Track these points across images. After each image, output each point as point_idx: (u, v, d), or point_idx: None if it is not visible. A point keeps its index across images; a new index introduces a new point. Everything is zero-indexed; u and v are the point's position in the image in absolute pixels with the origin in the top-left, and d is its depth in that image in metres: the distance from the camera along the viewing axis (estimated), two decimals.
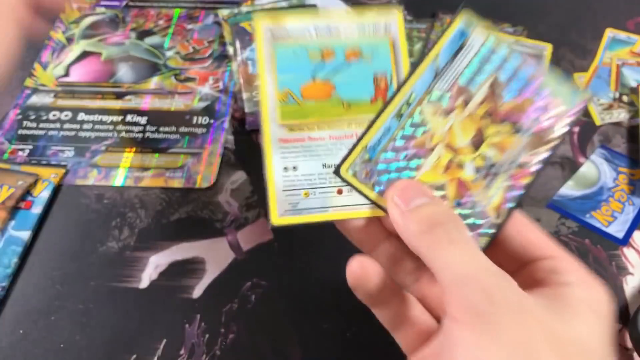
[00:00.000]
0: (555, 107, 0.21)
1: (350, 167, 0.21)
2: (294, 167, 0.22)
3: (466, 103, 0.21)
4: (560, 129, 0.21)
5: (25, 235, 0.33)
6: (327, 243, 0.32)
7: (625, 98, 0.39)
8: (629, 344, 0.29)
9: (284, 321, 0.27)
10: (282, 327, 0.28)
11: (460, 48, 0.22)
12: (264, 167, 0.22)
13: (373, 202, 0.21)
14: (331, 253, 0.32)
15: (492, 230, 0.21)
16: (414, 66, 0.22)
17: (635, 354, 0.28)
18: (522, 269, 0.21)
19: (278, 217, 0.21)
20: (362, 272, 0.21)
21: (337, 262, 0.33)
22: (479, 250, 0.18)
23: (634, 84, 0.40)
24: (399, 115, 0.21)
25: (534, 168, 0.21)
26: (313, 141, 0.22)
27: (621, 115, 0.39)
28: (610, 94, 0.40)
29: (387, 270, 0.22)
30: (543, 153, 0.21)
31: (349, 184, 0.21)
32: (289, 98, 0.22)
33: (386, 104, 0.21)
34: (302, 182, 0.22)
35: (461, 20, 0.22)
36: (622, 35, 0.43)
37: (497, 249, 0.21)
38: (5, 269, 0.31)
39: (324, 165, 0.22)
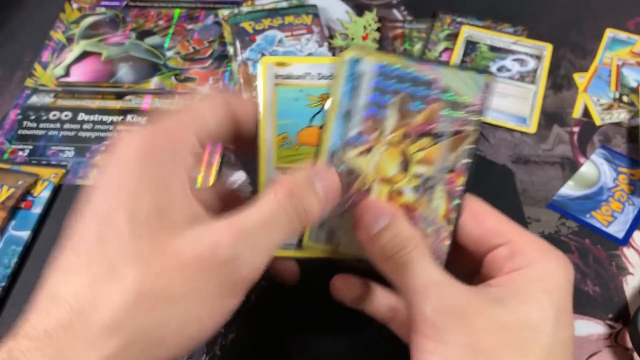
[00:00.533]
0: (461, 102, 0.22)
1: (311, 236, 0.22)
2: None
3: (381, 134, 0.22)
4: (473, 120, 0.22)
5: (26, 235, 0.33)
6: None
7: (625, 98, 0.39)
8: (629, 344, 0.29)
9: (284, 321, 0.27)
10: (282, 327, 0.28)
11: (357, 85, 0.22)
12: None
13: (345, 256, 0.23)
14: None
15: (449, 234, 0.22)
16: (324, 120, 0.22)
17: (635, 354, 0.28)
18: (484, 260, 0.22)
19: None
20: (344, 285, 0.24)
21: (337, 262, 0.33)
22: (430, 265, 0.20)
23: (634, 84, 0.40)
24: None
25: (463, 166, 0.22)
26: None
27: (621, 115, 0.39)
28: (610, 94, 0.40)
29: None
30: (467, 149, 0.22)
31: (317, 251, 0.23)
32: (285, 142, 0.23)
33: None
34: None
35: (347, 58, 0.22)
36: (622, 35, 0.43)
37: (459, 245, 0.23)
38: (5, 269, 0.31)
39: None
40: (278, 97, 0.23)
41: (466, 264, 0.24)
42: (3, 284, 0.31)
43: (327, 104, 0.22)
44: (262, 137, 0.23)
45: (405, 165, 0.22)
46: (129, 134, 0.19)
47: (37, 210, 0.34)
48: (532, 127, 0.38)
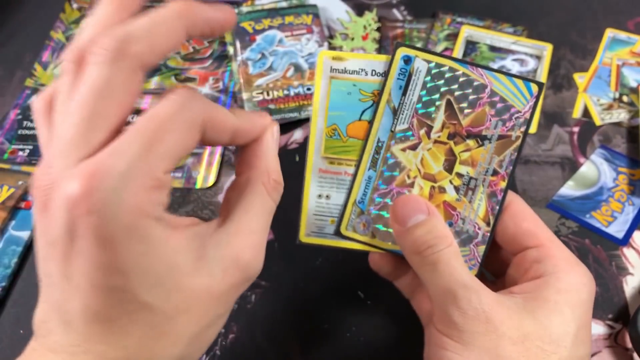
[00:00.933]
0: (509, 108, 0.23)
1: (348, 225, 0.23)
2: (327, 196, 0.24)
3: (428, 132, 0.23)
4: (520, 127, 0.23)
5: (26, 235, 0.33)
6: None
7: (625, 98, 0.39)
8: (629, 344, 0.29)
9: (284, 321, 0.27)
10: (282, 327, 0.28)
11: (408, 82, 0.22)
12: (302, 191, 0.24)
13: (376, 247, 0.24)
14: (332, 253, 0.32)
15: (486, 238, 0.23)
16: (373, 116, 0.23)
17: (635, 354, 0.28)
18: (513, 260, 0.23)
19: (305, 236, 0.24)
20: (381, 259, 0.25)
21: (337, 262, 0.33)
22: (460, 266, 0.21)
23: (634, 84, 0.40)
24: (374, 164, 0.23)
25: (506, 170, 0.23)
26: (348, 176, 0.24)
27: (621, 115, 0.39)
28: (610, 94, 0.40)
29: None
30: (511, 154, 0.23)
31: (351, 240, 0.24)
32: (334, 133, 0.24)
33: (359, 159, 0.23)
34: (331, 210, 0.24)
35: (400, 57, 0.23)
36: (622, 35, 0.43)
37: (493, 243, 0.23)
38: (5, 269, 0.31)
39: (348, 194, 0.24)
40: (332, 90, 0.24)
41: (494, 263, 0.24)
42: (3, 284, 0.31)
43: (379, 100, 0.23)
44: (313, 126, 0.24)
45: (450, 164, 0.23)
46: None
47: None
48: (532, 127, 0.38)
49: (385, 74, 0.22)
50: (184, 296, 0.18)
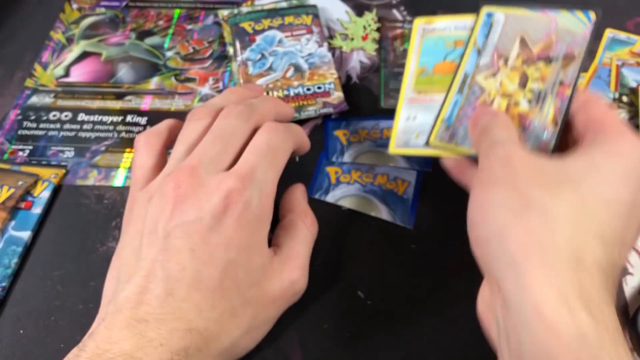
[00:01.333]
0: (572, 34, 0.28)
1: (437, 136, 0.29)
2: (414, 117, 0.31)
3: (506, 61, 0.29)
4: (581, 45, 0.28)
5: (26, 235, 0.33)
6: (327, 244, 0.32)
7: (625, 98, 0.39)
8: (630, 344, 0.29)
9: (284, 321, 0.27)
10: (282, 327, 0.28)
11: (490, 29, 0.29)
12: (395, 115, 0.31)
13: (459, 153, 0.28)
14: (331, 254, 0.32)
15: (555, 136, 0.27)
16: (462, 53, 0.30)
17: (635, 354, 0.28)
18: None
19: (394, 148, 0.31)
20: (453, 161, 0.29)
21: (337, 262, 0.33)
22: (516, 147, 0.23)
23: (633, 85, 0.40)
24: (461, 90, 0.29)
25: (571, 80, 0.27)
26: (432, 102, 0.30)
27: (621, 115, 0.39)
28: (610, 94, 0.40)
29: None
30: (574, 67, 0.28)
31: (439, 148, 0.29)
32: (423, 72, 0.32)
33: (450, 85, 0.29)
34: (417, 127, 0.30)
35: (484, 13, 0.30)
36: (622, 35, 0.43)
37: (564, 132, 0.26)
38: (5, 269, 0.31)
39: (440, 109, 0.29)
40: (423, 43, 0.32)
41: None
42: (4, 284, 0.31)
43: (467, 44, 0.30)
44: (407, 70, 0.32)
45: (524, 82, 0.28)
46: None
47: (37, 210, 0.34)
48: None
49: (472, 27, 0.30)
50: (258, 291, 0.24)
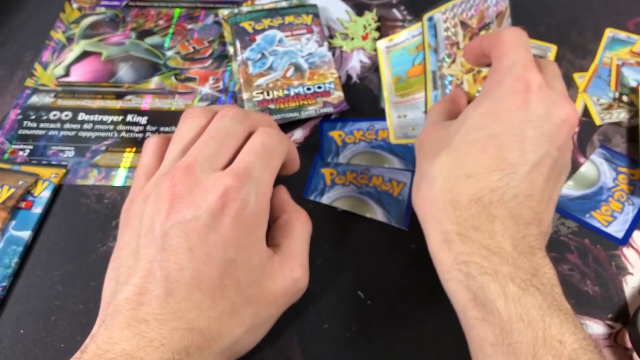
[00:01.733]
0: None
1: None
2: (405, 115, 0.37)
3: (458, 46, 0.34)
4: (505, 1, 0.34)
5: (26, 235, 0.33)
6: (327, 245, 0.32)
7: (625, 98, 0.39)
8: (629, 344, 0.29)
9: (284, 321, 0.27)
10: (282, 327, 0.28)
11: (435, 29, 0.35)
12: (387, 116, 0.37)
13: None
14: (331, 254, 0.32)
15: None
16: (423, 59, 0.36)
17: (634, 354, 0.28)
18: None
19: (395, 139, 0.36)
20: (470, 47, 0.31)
21: (337, 262, 0.33)
22: (427, 128, 0.29)
23: (634, 84, 0.40)
24: (435, 86, 0.34)
25: (508, 24, 0.34)
26: (415, 100, 0.36)
27: (621, 115, 0.39)
28: (610, 93, 0.40)
29: None
30: (507, 19, 0.35)
31: None
32: (399, 79, 0.38)
33: (425, 85, 0.35)
34: (410, 122, 0.36)
35: (425, 19, 0.35)
36: (622, 35, 0.43)
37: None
38: (5, 269, 0.31)
39: (423, 112, 0.36)
40: (390, 58, 0.39)
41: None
42: (4, 283, 0.31)
43: (423, 49, 0.36)
44: (383, 79, 0.38)
45: None
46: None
47: (37, 210, 0.34)
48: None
49: (422, 33, 0.35)
50: (258, 290, 0.24)
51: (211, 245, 0.22)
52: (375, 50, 0.42)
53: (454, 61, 0.34)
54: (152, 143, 0.29)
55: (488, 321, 0.21)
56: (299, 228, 0.28)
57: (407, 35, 0.38)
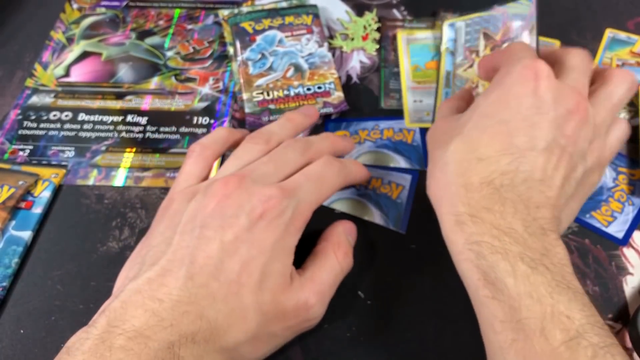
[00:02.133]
0: (522, 16, 0.38)
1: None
2: (421, 100, 0.38)
3: (477, 53, 0.38)
4: (532, 20, 0.37)
5: (26, 235, 0.33)
6: None
7: None
8: (629, 344, 0.29)
9: None
10: None
11: (456, 34, 0.39)
12: (403, 99, 0.39)
13: None
14: None
15: None
16: (439, 57, 0.40)
17: (635, 354, 0.28)
18: None
19: (410, 122, 0.38)
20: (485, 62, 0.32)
21: None
22: (440, 119, 0.30)
23: None
24: (447, 85, 0.38)
25: (533, 41, 0.37)
26: (432, 89, 0.39)
27: (621, 115, 0.39)
28: None
29: None
30: (532, 38, 0.37)
31: None
32: (417, 69, 0.40)
33: (437, 82, 0.38)
34: (425, 108, 0.38)
35: (446, 23, 0.40)
36: (622, 35, 0.43)
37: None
38: (6, 269, 0.31)
39: (435, 100, 0.38)
40: (410, 49, 0.41)
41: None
42: (4, 283, 0.31)
43: (439, 49, 0.40)
44: (402, 67, 0.40)
45: None
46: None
47: (37, 210, 0.34)
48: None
49: (441, 37, 0.40)
50: (270, 300, 0.24)
51: (240, 242, 0.24)
52: (375, 50, 0.43)
53: (471, 66, 0.37)
54: (197, 153, 0.29)
55: (497, 299, 0.21)
56: (332, 259, 0.27)
57: (429, 35, 0.42)
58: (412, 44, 0.41)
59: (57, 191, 0.35)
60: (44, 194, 0.35)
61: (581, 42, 0.43)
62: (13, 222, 0.33)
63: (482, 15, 0.38)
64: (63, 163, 0.37)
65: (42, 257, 0.33)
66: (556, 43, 0.42)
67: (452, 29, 0.39)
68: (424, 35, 0.42)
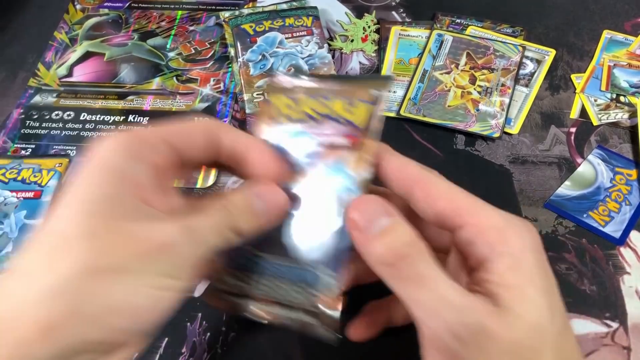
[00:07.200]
0: (506, 56, 0.41)
1: (406, 109, 0.39)
2: (395, 92, 0.40)
3: (457, 65, 0.41)
4: (515, 64, 0.41)
5: (39, 223, 0.33)
6: None
7: (622, 98, 0.40)
8: (626, 343, 0.29)
9: None
10: (283, 327, 0.29)
11: (441, 43, 0.42)
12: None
13: (423, 120, 0.39)
14: None
15: (503, 116, 0.39)
16: (421, 54, 0.42)
17: (631, 353, 0.28)
18: (452, 237, 0.20)
19: (404, 112, 0.39)
20: (361, 328, 0.26)
21: None
22: (444, 282, 0.18)
23: (624, 85, 0.40)
24: (422, 80, 0.40)
25: (510, 85, 0.40)
26: (406, 82, 0.41)
27: (618, 115, 0.39)
28: (607, 94, 0.40)
29: None
30: (512, 77, 0.40)
31: (409, 117, 0.39)
32: (401, 62, 0.42)
33: (412, 76, 0.41)
34: (397, 99, 0.40)
35: (435, 32, 0.43)
36: (619, 36, 0.43)
37: (421, 225, 0.21)
38: None
39: (406, 91, 0.40)
40: (399, 43, 0.43)
41: (435, 239, 0.22)
42: None
43: (424, 49, 0.42)
44: (386, 59, 0.42)
45: (473, 80, 0.40)
46: (106, 137, 0.20)
47: (47, 198, 0.34)
48: (515, 129, 0.38)
49: (427, 40, 0.43)
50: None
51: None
52: (374, 51, 0.43)
53: (448, 73, 0.40)
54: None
55: None
56: (215, 211, 0.20)
57: (422, 34, 0.43)
58: (403, 39, 0.43)
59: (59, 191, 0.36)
60: (51, 182, 0.35)
61: (578, 43, 0.43)
62: (25, 212, 0.34)
63: (470, 38, 0.42)
64: (64, 153, 0.37)
65: None
66: (551, 52, 0.43)
67: (440, 38, 0.42)
68: (416, 33, 0.43)
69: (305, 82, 0.24)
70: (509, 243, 0.18)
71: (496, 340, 0.17)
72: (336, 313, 0.22)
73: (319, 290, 0.22)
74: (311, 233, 0.22)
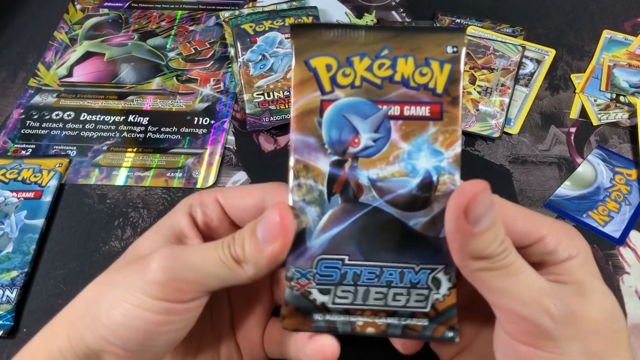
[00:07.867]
0: (505, 56, 0.41)
1: None
2: None
3: None
4: (515, 64, 0.41)
5: (40, 222, 0.33)
6: None
7: (622, 98, 0.40)
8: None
9: None
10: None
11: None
12: None
13: None
14: None
15: (503, 116, 0.39)
16: None
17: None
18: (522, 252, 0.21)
19: None
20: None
21: None
22: (532, 272, 0.20)
23: (624, 85, 0.40)
24: None
25: (510, 85, 0.40)
26: None
27: (618, 115, 0.39)
28: (607, 94, 0.40)
29: None
30: (511, 77, 0.40)
31: None
32: None
33: None
34: None
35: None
36: (619, 36, 0.43)
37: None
38: (25, 256, 0.32)
39: None
40: None
41: None
42: (26, 269, 0.31)
43: None
44: None
45: (473, 80, 0.40)
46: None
47: (47, 198, 0.34)
48: (515, 129, 0.39)
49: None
50: None
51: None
52: None
53: None
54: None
55: None
56: (211, 245, 0.22)
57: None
58: None
59: (59, 191, 0.36)
60: (51, 182, 0.35)
61: (578, 43, 0.43)
62: (25, 212, 0.34)
63: (470, 39, 0.41)
64: (64, 153, 0.37)
65: (45, 256, 0.33)
66: (551, 52, 0.43)
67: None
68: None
69: (348, 33, 0.19)
70: (577, 246, 0.21)
71: (584, 320, 0.19)
72: (452, 307, 0.20)
73: (427, 287, 0.19)
74: (405, 226, 0.19)
